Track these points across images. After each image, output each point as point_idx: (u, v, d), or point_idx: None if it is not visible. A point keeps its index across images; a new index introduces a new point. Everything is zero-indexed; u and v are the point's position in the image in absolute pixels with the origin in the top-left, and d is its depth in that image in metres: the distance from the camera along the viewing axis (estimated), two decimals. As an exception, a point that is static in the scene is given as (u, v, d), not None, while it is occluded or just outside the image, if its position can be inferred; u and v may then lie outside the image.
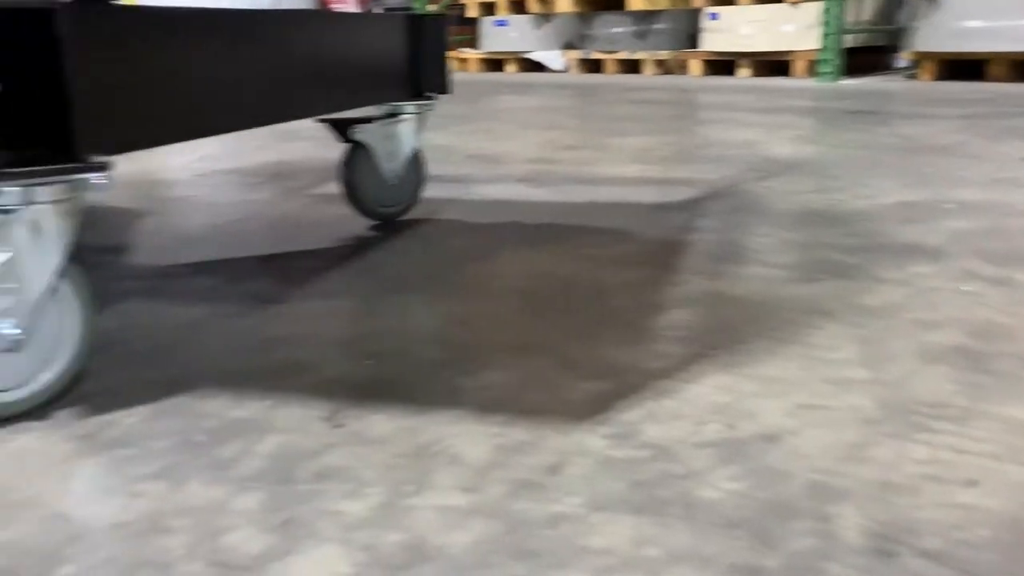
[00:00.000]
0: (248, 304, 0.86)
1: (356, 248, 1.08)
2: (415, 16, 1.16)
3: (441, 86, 1.18)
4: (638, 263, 0.97)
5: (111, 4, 0.61)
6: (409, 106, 1.17)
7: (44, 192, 0.59)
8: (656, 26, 4.36)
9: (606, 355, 0.70)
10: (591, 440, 0.56)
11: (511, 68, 5.19)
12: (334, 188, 1.48)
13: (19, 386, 0.60)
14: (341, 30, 0.99)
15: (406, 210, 1.23)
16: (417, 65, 1.15)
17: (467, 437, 0.56)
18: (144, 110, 0.66)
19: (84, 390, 0.64)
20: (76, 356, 0.63)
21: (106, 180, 0.60)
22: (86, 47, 0.57)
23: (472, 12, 5.17)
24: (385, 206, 1.19)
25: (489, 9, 5.12)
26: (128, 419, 0.60)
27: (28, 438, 0.58)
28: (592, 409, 0.60)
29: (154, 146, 0.68)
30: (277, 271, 0.98)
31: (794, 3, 3.80)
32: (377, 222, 1.20)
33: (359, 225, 1.19)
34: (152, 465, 0.54)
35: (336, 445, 0.56)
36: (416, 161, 1.22)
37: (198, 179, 1.59)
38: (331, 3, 6.42)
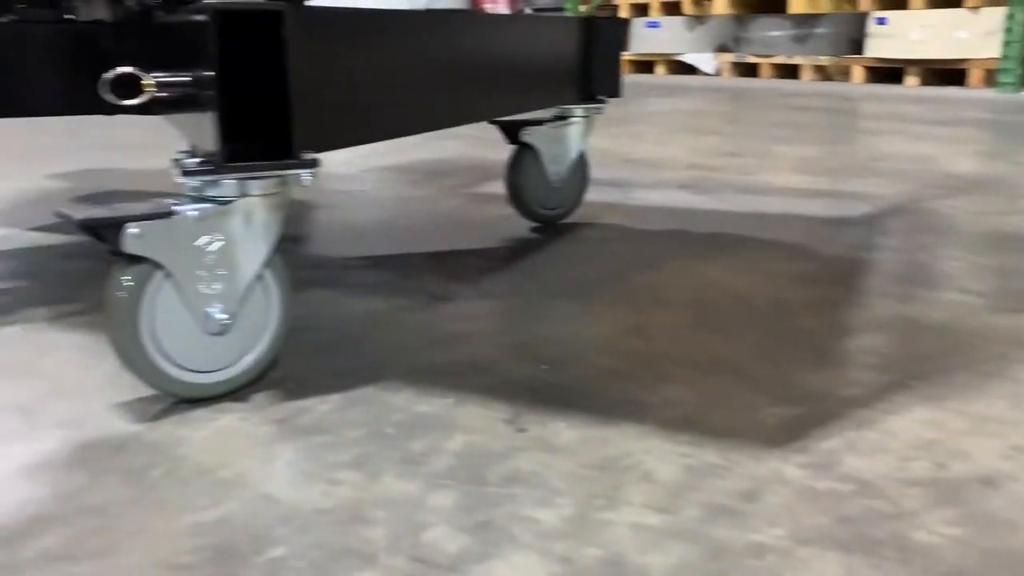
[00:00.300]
0: (421, 300, 0.87)
1: (519, 249, 1.09)
2: (590, 18, 1.15)
3: (612, 89, 1.17)
4: (818, 281, 0.92)
5: (326, 7, 0.63)
6: (579, 109, 1.16)
7: (257, 185, 0.61)
8: (817, 30, 4.19)
9: (794, 378, 0.67)
10: (787, 468, 0.53)
11: (660, 70, 5.11)
12: (491, 188, 1.50)
13: (224, 368, 0.63)
14: (522, 33, 0.99)
15: (568, 213, 1.22)
16: (590, 68, 1.15)
17: (655, 454, 0.55)
18: (347, 110, 0.68)
19: (277, 375, 0.67)
20: (274, 342, 0.66)
21: (313, 177, 0.63)
22: (305, 48, 0.59)
23: (623, 13, 5.13)
24: (548, 208, 1.19)
25: (641, 10, 5.07)
26: (321, 407, 0.62)
27: (230, 418, 0.61)
28: (785, 435, 0.57)
29: (353, 145, 0.71)
30: (445, 268, 0.99)
31: (973, 8, 3.56)
32: (538, 224, 1.20)
33: (520, 226, 1.19)
34: (346, 454, 0.55)
35: (522, 449, 0.56)
36: (581, 164, 1.22)
37: (362, 174, 1.65)
38: (482, 3, 6.53)
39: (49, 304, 0.85)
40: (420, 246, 1.11)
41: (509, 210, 1.19)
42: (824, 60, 4.27)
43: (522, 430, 0.59)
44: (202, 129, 0.62)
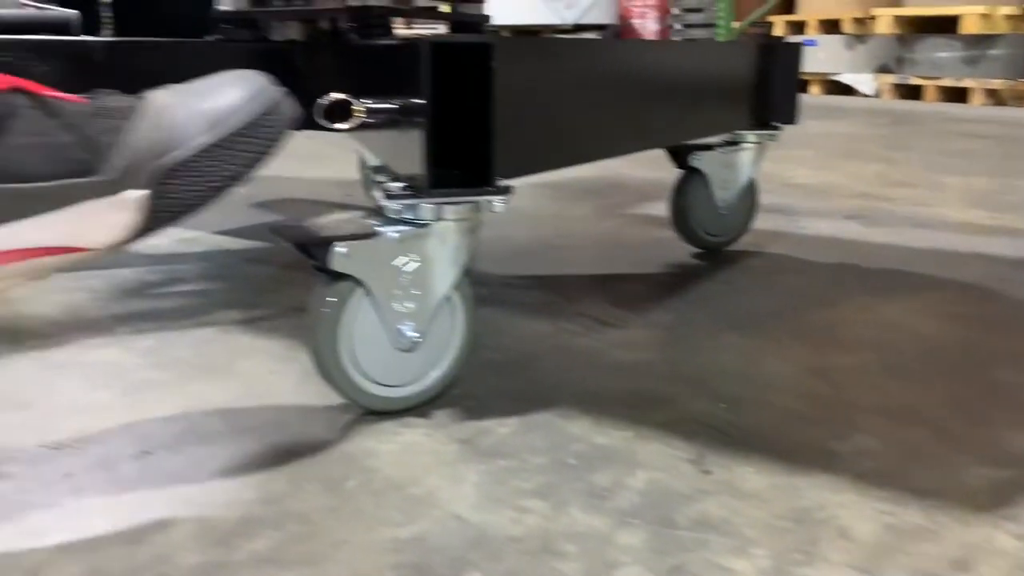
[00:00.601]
0: (588, 325, 0.87)
1: (684, 277, 1.07)
2: (767, 43, 1.12)
3: (788, 116, 1.14)
4: (1010, 328, 0.86)
5: (524, 37, 0.64)
6: (751, 135, 1.14)
7: (452, 210, 0.63)
8: (991, 51, 3.94)
9: (999, 438, 0.62)
10: (1000, 537, 0.50)
11: (815, 90, 4.94)
12: (648, 209, 1.49)
13: (411, 383, 0.65)
14: (701, 59, 0.98)
15: (733, 241, 1.20)
16: (765, 94, 1.12)
17: (852, 509, 0.53)
18: (537, 137, 0.69)
19: (456, 393, 0.69)
20: (457, 360, 0.67)
21: (505, 204, 0.64)
22: (506, 78, 0.60)
23: (778, 31, 5.00)
24: (713, 235, 1.17)
25: (798, 28, 4.92)
26: (500, 429, 0.63)
27: (415, 434, 0.62)
28: (994, 500, 0.54)
29: (540, 172, 0.72)
30: (609, 293, 0.99)
31: None
32: (702, 250, 1.18)
33: (683, 252, 1.17)
34: (531, 481, 0.56)
35: (709, 492, 0.55)
36: (750, 192, 1.19)
37: (517, 190, 1.67)
38: (630, 17, 6.51)
39: (238, 307, 0.90)
40: (579, 267, 1.11)
41: (668, 233, 1.17)
42: (997, 84, 4.01)
43: (707, 472, 0.57)
44: (404, 153, 0.64)
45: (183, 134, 0.52)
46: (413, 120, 0.61)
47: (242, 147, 0.54)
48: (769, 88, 1.12)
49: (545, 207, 1.50)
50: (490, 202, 0.63)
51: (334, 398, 0.65)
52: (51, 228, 0.49)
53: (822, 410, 0.67)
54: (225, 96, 0.55)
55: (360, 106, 0.63)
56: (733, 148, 1.13)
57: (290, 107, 0.57)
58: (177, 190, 0.52)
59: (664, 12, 6.07)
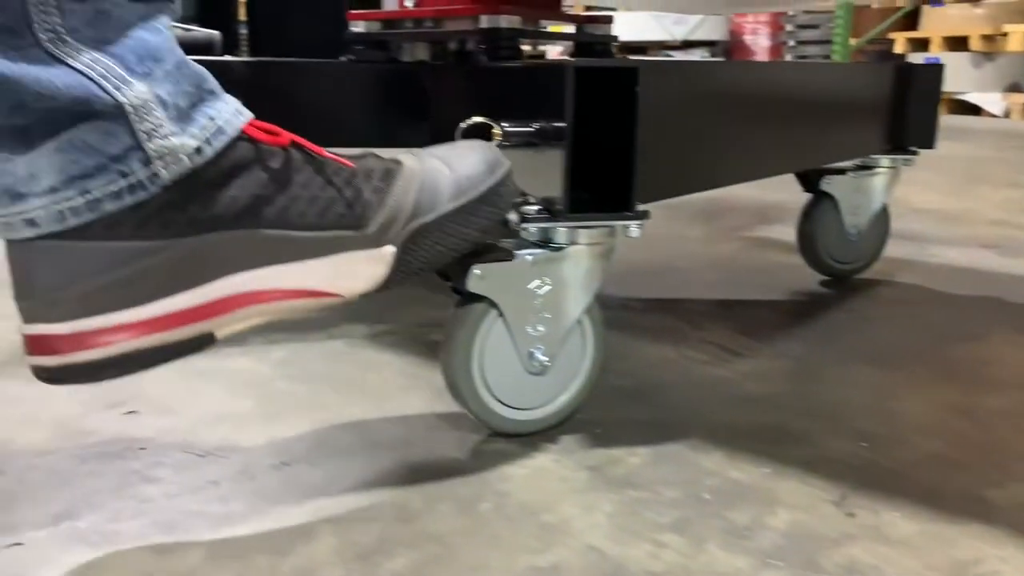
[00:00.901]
0: (714, 353, 0.85)
1: (811, 305, 1.04)
2: (905, 65, 1.08)
3: (927, 140, 1.09)
4: None
5: (666, 60, 0.64)
6: (886, 159, 1.09)
7: (587, 234, 0.63)
8: None
9: None
10: None
11: (940, 109, 4.73)
12: (769, 232, 1.45)
13: (540, 407, 0.65)
14: (836, 81, 0.95)
15: (863, 269, 1.15)
16: (902, 117, 1.07)
17: (1014, 564, 0.49)
18: (673, 161, 0.68)
19: (582, 419, 0.68)
20: (586, 385, 0.67)
21: (641, 229, 0.63)
22: (651, 101, 0.60)
23: (899, 48, 4.81)
24: (841, 262, 1.13)
25: (921, 45, 4.73)
26: (630, 459, 0.62)
27: (544, 459, 0.62)
28: None
29: (674, 196, 0.71)
30: (734, 319, 0.97)
31: None
32: (828, 278, 1.14)
33: (808, 278, 1.14)
34: (666, 515, 0.55)
35: (855, 537, 0.52)
36: (882, 218, 1.14)
37: (634, 209, 1.65)
38: (741, 33, 6.40)
39: (365, 322, 0.92)
40: (701, 292, 1.09)
41: (792, 258, 1.14)
42: None
43: (851, 514, 0.55)
44: (540, 175, 0.64)
45: (433, 199, 0.57)
46: (552, 143, 0.61)
47: (481, 214, 0.58)
48: (907, 111, 1.07)
49: (660, 228, 1.48)
50: (627, 227, 0.62)
51: (462, 417, 0.66)
52: (314, 273, 0.53)
53: (971, 454, 0.64)
54: (468, 164, 0.59)
55: (499, 129, 0.63)
56: (866, 172, 1.09)
57: (514, 180, 0.61)
58: (420, 250, 0.56)
59: (777, 28, 5.95)
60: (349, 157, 0.56)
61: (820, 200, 1.09)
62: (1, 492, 0.56)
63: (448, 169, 0.58)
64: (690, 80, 0.68)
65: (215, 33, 1.11)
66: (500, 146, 0.64)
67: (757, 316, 0.98)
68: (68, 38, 0.45)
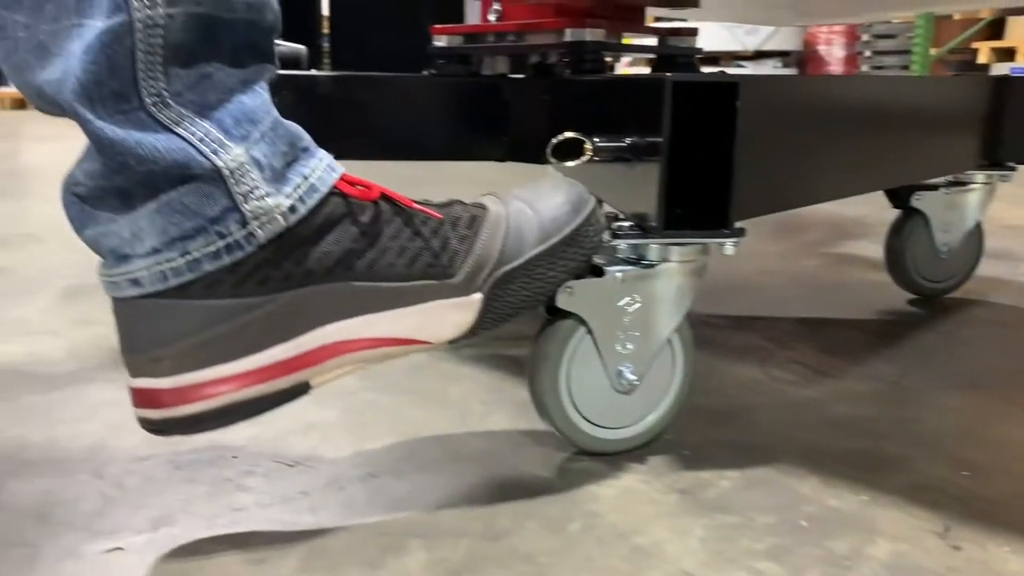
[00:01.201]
0: (801, 373, 0.83)
1: (901, 325, 1.00)
2: (1002, 78, 1.04)
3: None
4: None
5: (764, 75, 0.62)
6: (981, 175, 1.05)
7: (679, 251, 0.62)
8: None
9: None
10: None
11: (1023, 122, 4.56)
12: (851, 248, 1.41)
13: (627, 426, 0.64)
14: (933, 93, 0.92)
15: (954, 288, 1.11)
16: (999, 131, 1.03)
17: None
18: (770, 178, 0.66)
19: (669, 440, 0.67)
20: (674, 405, 0.65)
21: (735, 247, 0.62)
22: (749, 117, 0.58)
23: (983, 58, 4.66)
24: (930, 280, 1.09)
25: (1006, 55, 4.57)
26: (721, 482, 0.61)
27: (632, 479, 0.61)
28: None
29: (768, 213, 0.69)
30: (819, 339, 0.94)
31: None
32: (917, 296, 1.10)
33: (895, 297, 1.10)
34: (762, 542, 0.53)
35: (962, 572, 0.50)
36: (975, 236, 1.10)
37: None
38: (816, 43, 6.28)
39: (444, 334, 0.92)
40: (784, 309, 1.06)
41: (877, 276, 1.11)
42: None
43: (956, 547, 0.53)
44: (633, 191, 0.63)
45: (519, 244, 0.57)
46: (646, 158, 0.60)
47: (567, 256, 0.58)
48: (1004, 125, 1.03)
49: (741, 242, 1.45)
50: (722, 244, 0.61)
51: (546, 434, 0.65)
52: (404, 322, 0.55)
53: (1085, 488, 0.60)
54: (552, 206, 0.59)
55: (590, 143, 0.62)
56: (959, 188, 1.05)
57: (603, 215, 0.61)
58: (507, 295, 0.57)
59: (853, 38, 5.82)
60: (435, 205, 0.57)
61: (910, 217, 1.06)
62: (100, 496, 0.57)
63: (532, 211, 0.58)
64: (787, 94, 0.66)
65: (302, 48, 1.13)
66: (590, 161, 0.63)
67: (844, 335, 0.96)
68: (171, 102, 0.47)
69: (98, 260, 0.51)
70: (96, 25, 0.44)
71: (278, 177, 0.50)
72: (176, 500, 0.57)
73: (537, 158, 0.97)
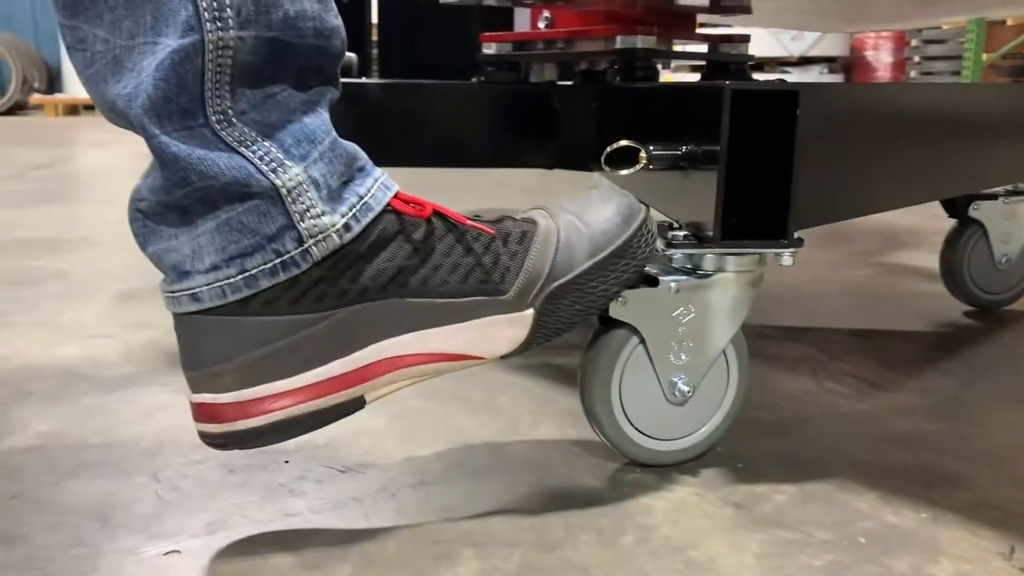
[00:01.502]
0: (855, 386, 0.81)
1: (957, 338, 0.98)
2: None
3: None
4: None
5: (823, 83, 0.61)
6: (1041, 184, 1.02)
7: (735, 261, 0.61)
8: None
9: None
10: None
11: (1079, 129, 4.44)
12: (903, 257, 1.38)
13: (679, 438, 0.63)
14: (996, 101, 0.90)
15: (1012, 300, 1.08)
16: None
17: None
18: (829, 187, 0.65)
19: (722, 452, 0.66)
20: (728, 417, 0.65)
21: (793, 257, 0.61)
22: (809, 126, 0.57)
23: (1039, 62, 4.54)
24: (988, 292, 1.07)
25: (1064, 60, 4.45)
26: (776, 496, 0.60)
27: (685, 492, 0.60)
28: None
29: (826, 223, 0.68)
30: (873, 351, 0.92)
31: None
32: (973, 308, 1.08)
33: (951, 308, 1.08)
34: (820, 559, 0.52)
35: (1032, 596, 0.48)
36: (1035, 246, 1.07)
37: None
38: (863, 49, 6.18)
39: (491, 341, 0.92)
40: (836, 320, 1.04)
41: (931, 287, 1.08)
42: None
43: (1023, 570, 0.51)
44: (688, 200, 0.63)
45: (570, 258, 0.57)
46: (703, 167, 0.59)
47: (618, 268, 0.58)
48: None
49: (787, 252, 1.43)
50: (779, 254, 0.60)
51: (596, 444, 0.65)
52: (457, 338, 0.55)
53: None
54: (602, 218, 0.58)
55: (646, 152, 0.62)
56: (1019, 198, 1.03)
57: (654, 225, 0.60)
58: (560, 310, 0.57)
59: (901, 44, 5.72)
60: (486, 221, 0.57)
61: (967, 227, 1.04)
62: (157, 499, 0.58)
63: (582, 224, 0.58)
64: (846, 102, 0.65)
65: (352, 56, 1.14)
66: (645, 169, 0.63)
67: (899, 348, 0.94)
68: (235, 121, 0.48)
69: (160, 276, 0.52)
70: (169, 44, 0.45)
71: (334, 196, 0.51)
72: (230, 504, 0.58)
73: (584, 166, 0.96)
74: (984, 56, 4.64)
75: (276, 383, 0.51)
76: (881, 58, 5.90)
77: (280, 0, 0.47)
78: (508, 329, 0.56)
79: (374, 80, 1.09)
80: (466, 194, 1.97)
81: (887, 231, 1.62)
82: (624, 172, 0.62)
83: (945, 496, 0.60)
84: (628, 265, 0.58)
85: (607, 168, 0.64)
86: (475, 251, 0.55)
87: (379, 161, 1.06)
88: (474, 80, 1.07)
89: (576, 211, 0.59)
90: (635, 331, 0.60)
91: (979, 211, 1.02)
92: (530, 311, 0.56)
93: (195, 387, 0.52)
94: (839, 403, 0.77)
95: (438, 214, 0.54)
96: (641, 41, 0.90)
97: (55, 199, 1.94)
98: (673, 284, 0.60)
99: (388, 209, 0.53)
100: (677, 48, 1.05)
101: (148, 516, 0.56)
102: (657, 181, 0.70)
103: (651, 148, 0.62)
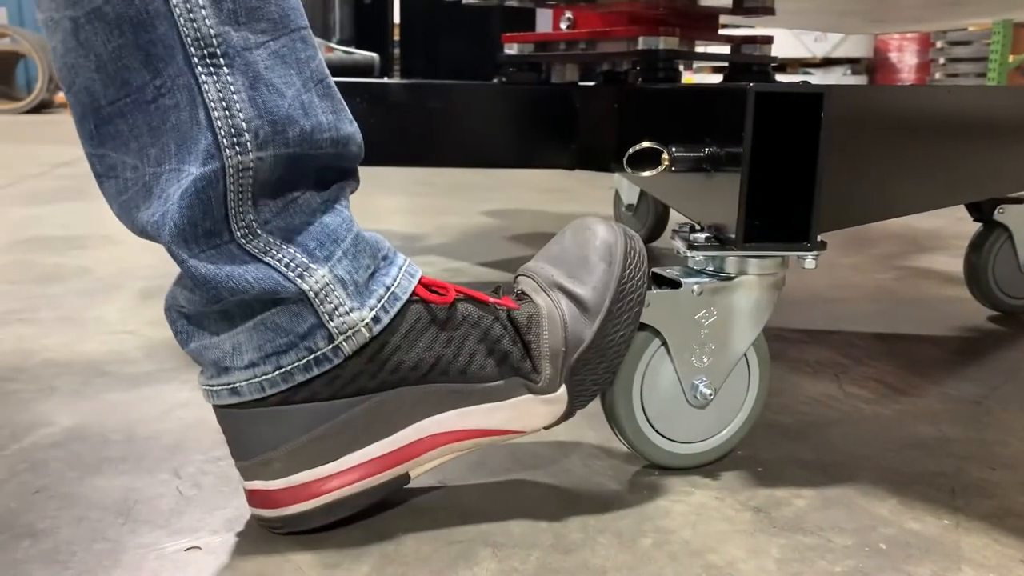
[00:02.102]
0: (878, 391, 0.81)
1: (981, 343, 0.97)
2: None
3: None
4: None
5: (848, 85, 0.61)
6: (1068, 189, 1.01)
7: (758, 264, 0.60)
8: None
9: None
10: None
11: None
12: (925, 261, 1.37)
13: (700, 440, 0.63)
14: (1018, 104, 0.89)
15: (1038, 305, 1.07)
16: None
17: None
18: (853, 190, 0.65)
19: (742, 456, 0.66)
20: (748, 420, 0.64)
21: (816, 260, 0.60)
22: (833, 128, 0.57)
23: (1066, 66, 4.48)
24: (1013, 297, 1.05)
25: (1090, 63, 4.39)
26: (796, 501, 0.59)
27: (705, 496, 0.60)
28: None
29: (848, 227, 0.67)
30: (896, 355, 0.91)
31: None
32: (998, 313, 1.06)
33: (975, 313, 1.06)
34: (841, 564, 0.52)
35: (1057, 606, 0.48)
36: (1062, 251, 1.06)
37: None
38: (887, 50, 6.13)
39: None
40: (859, 324, 1.03)
41: (955, 291, 1.07)
42: None
43: (1050, 579, 0.50)
44: (711, 202, 0.63)
45: (579, 328, 0.56)
46: (726, 169, 0.59)
47: (623, 310, 0.57)
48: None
49: (809, 254, 1.42)
50: (802, 258, 0.60)
51: (615, 446, 0.64)
52: (496, 416, 0.56)
53: None
54: (592, 273, 0.57)
55: (669, 153, 0.62)
56: (1046, 202, 1.01)
57: (639, 243, 0.59)
58: (588, 374, 0.57)
59: (926, 45, 5.66)
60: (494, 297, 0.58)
61: (992, 230, 1.03)
62: (178, 495, 0.59)
63: (574, 287, 0.57)
64: (872, 105, 0.64)
65: (374, 56, 1.15)
66: (667, 170, 0.63)
67: (922, 352, 0.93)
68: (259, 231, 0.49)
69: (199, 371, 0.54)
70: (192, 171, 0.46)
71: (361, 290, 0.52)
72: (251, 501, 0.58)
73: (605, 167, 0.96)
74: (1011, 58, 4.58)
75: (323, 467, 0.53)
76: (905, 60, 5.84)
77: (295, 117, 0.47)
78: (545, 407, 0.57)
79: (396, 80, 1.10)
80: (488, 195, 1.97)
81: (910, 235, 1.60)
82: (647, 173, 0.62)
83: (968, 503, 0.59)
84: (630, 301, 0.57)
85: (629, 169, 0.63)
86: (504, 336, 0.55)
87: (400, 161, 1.06)
88: (495, 80, 1.07)
89: (562, 272, 0.59)
90: (657, 333, 0.60)
91: (1005, 215, 1.01)
92: (562, 388, 0.56)
93: (247, 475, 0.54)
94: (861, 408, 0.76)
95: (461, 296, 0.55)
96: (663, 42, 0.90)
97: (80, 197, 1.96)
98: (696, 287, 0.60)
99: (414, 298, 0.53)
100: (699, 49, 1.04)
101: (169, 512, 0.56)
102: (679, 183, 0.70)
103: (674, 149, 0.61)
